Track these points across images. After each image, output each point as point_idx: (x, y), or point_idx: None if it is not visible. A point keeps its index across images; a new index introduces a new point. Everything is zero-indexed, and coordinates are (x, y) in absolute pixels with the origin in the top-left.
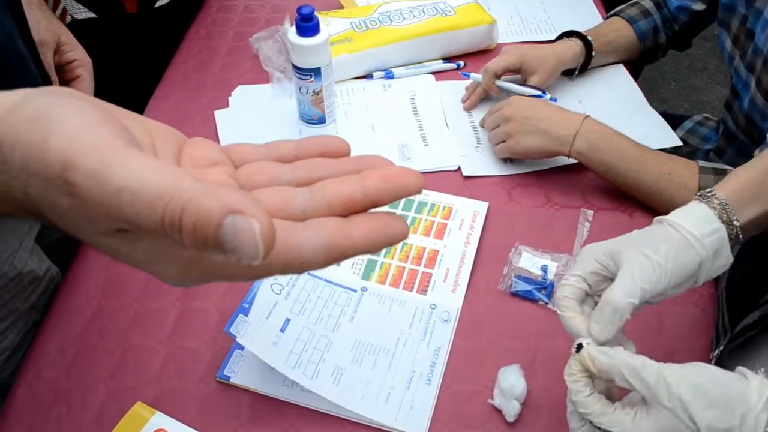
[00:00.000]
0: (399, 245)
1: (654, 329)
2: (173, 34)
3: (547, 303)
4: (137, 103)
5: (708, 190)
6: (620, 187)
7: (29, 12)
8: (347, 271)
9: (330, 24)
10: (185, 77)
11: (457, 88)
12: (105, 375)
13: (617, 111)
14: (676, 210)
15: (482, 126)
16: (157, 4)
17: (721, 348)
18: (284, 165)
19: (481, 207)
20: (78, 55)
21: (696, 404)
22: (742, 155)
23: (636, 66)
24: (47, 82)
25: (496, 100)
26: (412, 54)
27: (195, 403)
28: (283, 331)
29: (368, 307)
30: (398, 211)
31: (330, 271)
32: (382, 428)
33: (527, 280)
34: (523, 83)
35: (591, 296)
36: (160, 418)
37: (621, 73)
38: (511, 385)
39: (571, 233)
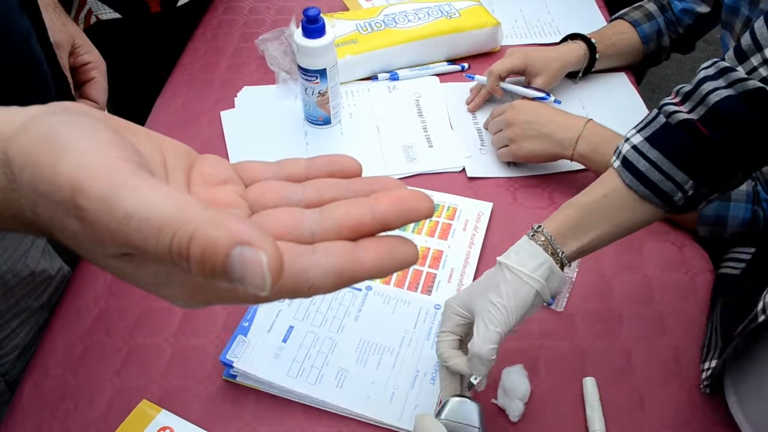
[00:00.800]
0: None
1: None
2: (194, 32)
3: (550, 304)
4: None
5: (537, 226)
6: None
7: (45, 15)
8: None
9: (335, 26)
10: (192, 78)
11: (462, 89)
12: (111, 373)
13: (618, 118)
14: (510, 249)
15: (486, 128)
16: (179, 3)
17: (714, 361)
18: (294, 185)
19: (486, 208)
20: (92, 57)
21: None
22: None
23: (639, 69)
24: (62, 84)
25: (501, 101)
26: (416, 56)
27: (200, 402)
28: (285, 341)
29: (373, 307)
30: None
31: None
32: (386, 427)
33: None
34: (527, 85)
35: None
36: (165, 416)
37: (623, 81)
38: (514, 385)
39: None
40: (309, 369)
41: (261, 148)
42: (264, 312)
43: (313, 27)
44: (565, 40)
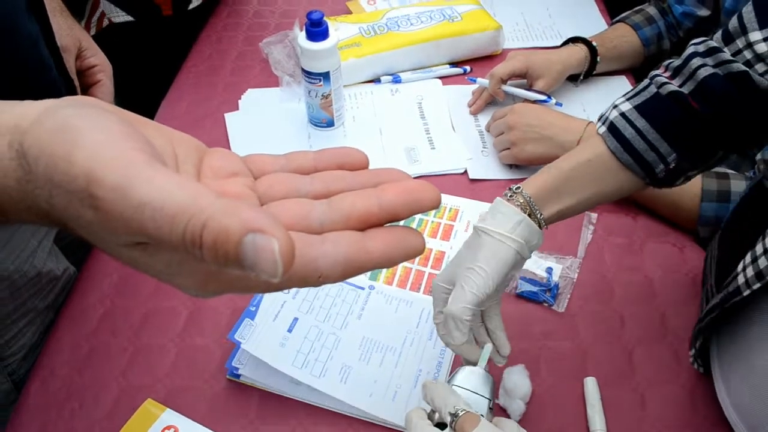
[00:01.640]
0: None
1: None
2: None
3: (551, 304)
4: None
5: (516, 186)
6: None
7: (52, 18)
8: None
9: (339, 29)
10: (196, 80)
11: (464, 92)
12: (117, 372)
13: None
14: (485, 213)
15: (488, 130)
16: (191, 7)
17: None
18: (303, 177)
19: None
20: (99, 60)
21: None
22: (745, 158)
23: (641, 72)
24: (69, 87)
25: (502, 104)
26: (419, 59)
27: (205, 401)
28: (290, 331)
29: (376, 305)
30: None
31: None
32: (389, 426)
33: (532, 281)
34: (529, 88)
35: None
36: (170, 415)
37: (624, 84)
38: (515, 385)
39: (576, 236)
40: (314, 362)
41: (265, 150)
42: (270, 300)
43: (317, 30)
44: (566, 43)
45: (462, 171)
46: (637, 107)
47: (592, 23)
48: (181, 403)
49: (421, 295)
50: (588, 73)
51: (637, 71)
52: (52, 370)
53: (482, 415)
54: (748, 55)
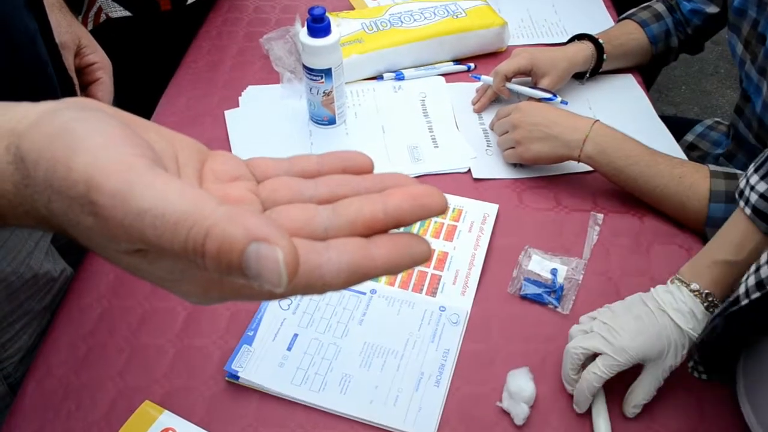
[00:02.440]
0: None
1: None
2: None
3: (556, 306)
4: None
5: (695, 285)
6: (630, 191)
7: (51, 15)
8: None
9: (341, 25)
10: (196, 77)
11: (468, 90)
12: (114, 373)
13: (625, 119)
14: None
15: (492, 129)
16: (189, 2)
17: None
18: (307, 181)
19: (491, 209)
20: (98, 57)
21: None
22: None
23: (651, 70)
24: (67, 84)
25: (507, 102)
26: (422, 55)
27: (203, 403)
28: (290, 349)
29: (377, 310)
30: None
31: None
32: (390, 430)
33: (537, 283)
34: (534, 86)
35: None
36: (167, 417)
37: (631, 82)
38: (519, 388)
39: (581, 236)
40: (313, 376)
41: (265, 148)
42: (269, 320)
43: (319, 26)
44: (572, 40)
45: (466, 170)
46: None
47: (599, 20)
48: (179, 405)
49: (424, 297)
50: (594, 71)
51: (644, 69)
52: (48, 371)
53: None
54: None
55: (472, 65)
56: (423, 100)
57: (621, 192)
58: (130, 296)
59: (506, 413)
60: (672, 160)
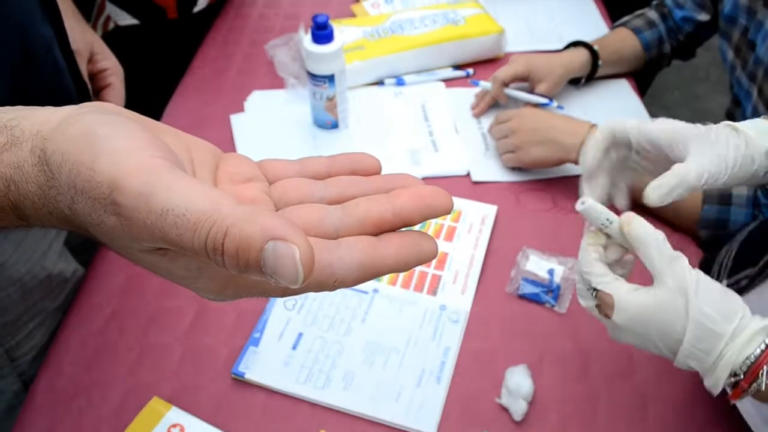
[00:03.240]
0: None
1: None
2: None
3: (553, 306)
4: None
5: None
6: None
7: (66, 22)
8: None
9: (343, 32)
10: (202, 83)
11: (467, 95)
12: (123, 371)
13: None
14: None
15: (490, 133)
16: (195, 10)
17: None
18: (317, 182)
19: (490, 211)
20: (110, 63)
21: (698, 298)
22: None
23: (646, 76)
24: (82, 90)
25: (505, 107)
26: (422, 62)
27: (211, 399)
28: (295, 348)
29: (379, 309)
30: None
31: None
32: (394, 426)
33: (534, 282)
34: (531, 91)
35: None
36: (176, 414)
37: (625, 87)
38: (518, 384)
39: (578, 237)
40: (317, 374)
41: (270, 152)
42: (275, 320)
43: (322, 33)
44: (568, 47)
45: (465, 173)
46: None
47: (594, 27)
48: (187, 402)
49: (425, 296)
50: (589, 76)
51: (637, 75)
52: (59, 369)
53: None
54: None
55: (471, 71)
56: (423, 105)
57: None
58: (140, 296)
59: (505, 409)
60: None
